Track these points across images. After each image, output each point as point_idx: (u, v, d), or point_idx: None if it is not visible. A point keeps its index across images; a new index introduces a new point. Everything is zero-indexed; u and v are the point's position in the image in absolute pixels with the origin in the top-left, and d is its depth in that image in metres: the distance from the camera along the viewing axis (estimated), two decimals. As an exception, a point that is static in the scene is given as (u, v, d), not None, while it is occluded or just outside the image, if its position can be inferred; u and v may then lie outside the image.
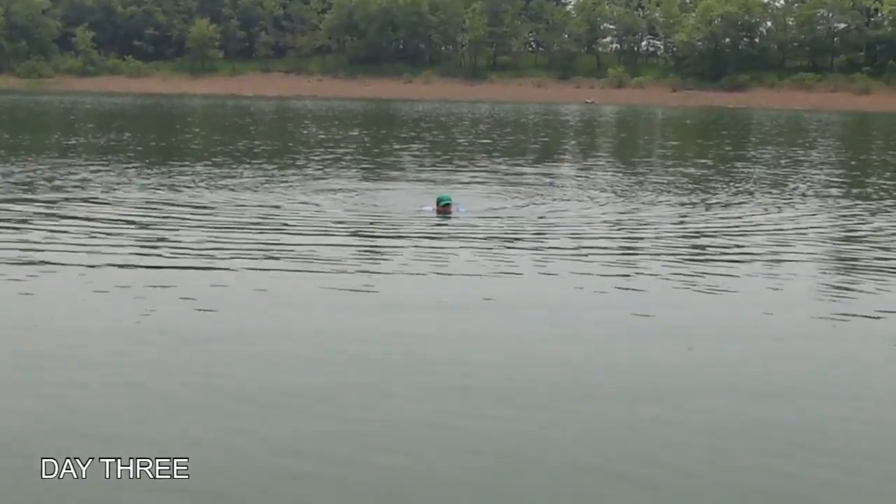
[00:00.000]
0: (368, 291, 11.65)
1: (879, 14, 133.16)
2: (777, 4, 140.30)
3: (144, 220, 16.88)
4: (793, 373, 8.95)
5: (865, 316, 10.95)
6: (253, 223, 16.58)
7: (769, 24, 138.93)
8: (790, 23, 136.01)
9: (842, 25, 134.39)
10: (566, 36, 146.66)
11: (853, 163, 35.20)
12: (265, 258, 13.50)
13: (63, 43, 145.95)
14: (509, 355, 9.23)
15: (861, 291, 12.18)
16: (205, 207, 18.49)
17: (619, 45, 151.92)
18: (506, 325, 10.26)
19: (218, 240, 14.85)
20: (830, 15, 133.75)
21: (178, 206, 18.60)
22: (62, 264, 12.82)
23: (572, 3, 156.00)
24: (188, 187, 21.88)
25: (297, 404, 7.90)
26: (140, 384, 8.28)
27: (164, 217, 17.16)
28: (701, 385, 8.60)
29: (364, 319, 10.39)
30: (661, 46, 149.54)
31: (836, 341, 10.04)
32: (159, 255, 13.59)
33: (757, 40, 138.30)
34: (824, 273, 13.38)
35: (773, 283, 12.63)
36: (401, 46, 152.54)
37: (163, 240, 14.83)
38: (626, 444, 7.18)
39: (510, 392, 8.22)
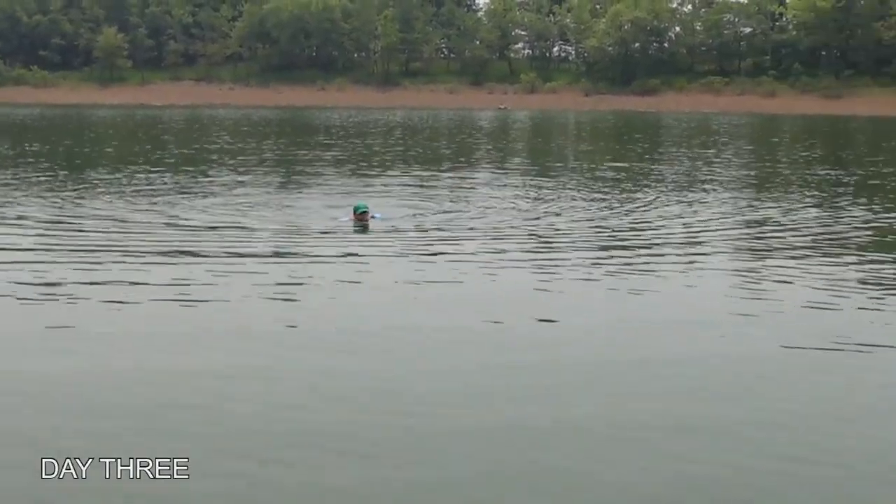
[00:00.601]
0: (287, 300, 11.48)
1: (784, 18, 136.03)
2: (685, 10, 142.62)
3: (49, 231, 16.50)
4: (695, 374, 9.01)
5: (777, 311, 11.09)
6: (165, 237, 16.20)
7: (678, 29, 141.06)
8: (698, 27, 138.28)
9: (748, 30, 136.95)
10: (478, 42, 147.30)
11: (761, 163, 35.75)
12: (180, 272, 13.23)
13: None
14: (428, 365, 9.15)
15: (774, 281, 12.37)
16: (118, 220, 18.11)
17: (531, 51, 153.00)
18: (424, 335, 10.17)
19: (129, 251, 14.55)
20: (737, 20, 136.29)
21: (84, 219, 18.16)
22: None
23: (483, 9, 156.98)
24: (91, 198, 21.44)
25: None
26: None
27: (67, 230, 16.79)
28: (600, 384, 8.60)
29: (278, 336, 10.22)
30: (573, 52, 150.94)
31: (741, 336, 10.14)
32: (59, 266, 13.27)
33: (666, 45, 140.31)
34: (735, 267, 13.54)
35: (687, 279, 12.78)
36: (313, 54, 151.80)
37: (61, 252, 14.49)
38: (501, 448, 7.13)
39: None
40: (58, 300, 11.46)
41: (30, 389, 8.35)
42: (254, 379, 8.67)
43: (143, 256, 14.19)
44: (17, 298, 11.47)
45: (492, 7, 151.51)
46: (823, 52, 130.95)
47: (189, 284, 12.23)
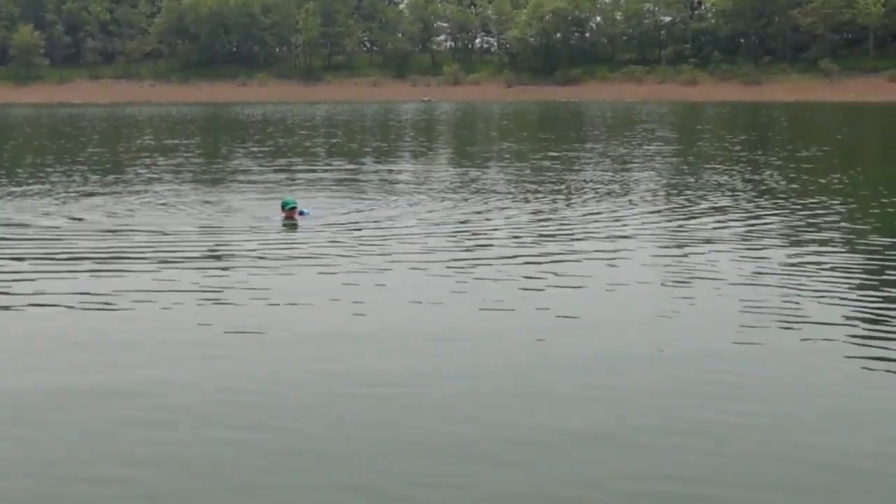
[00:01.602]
0: (216, 303, 11.24)
1: (703, 7, 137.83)
2: (605, 0, 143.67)
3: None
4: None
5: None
6: (90, 240, 15.79)
7: (598, 18, 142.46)
8: (618, 17, 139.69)
9: (668, 19, 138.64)
10: (400, 35, 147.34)
11: (688, 149, 36.04)
12: (105, 275, 12.92)
13: None
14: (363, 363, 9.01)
15: (698, 267, 12.41)
16: (24, 226, 17.69)
17: (453, 43, 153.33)
18: (353, 339, 10.02)
19: (51, 256, 14.20)
20: (656, 9, 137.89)
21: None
22: None
23: (405, 2, 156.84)
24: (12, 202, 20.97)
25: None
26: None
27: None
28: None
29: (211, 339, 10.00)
30: (495, 43, 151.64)
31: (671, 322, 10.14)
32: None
33: (587, 35, 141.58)
34: (660, 255, 13.57)
35: (613, 270, 12.79)
36: (234, 49, 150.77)
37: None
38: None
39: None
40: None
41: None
42: (180, 390, 8.46)
43: (54, 262, 13.80)
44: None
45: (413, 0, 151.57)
46: (742, 40, 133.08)
47: (112, 292, 11.76)
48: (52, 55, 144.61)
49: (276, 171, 28.44)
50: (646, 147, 37.22)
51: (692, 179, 24.48)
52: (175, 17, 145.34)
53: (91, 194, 22.27)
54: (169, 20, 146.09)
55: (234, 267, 13.35)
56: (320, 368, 8.88)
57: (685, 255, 13.97)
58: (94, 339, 9.81)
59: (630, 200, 20.23)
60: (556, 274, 12.62)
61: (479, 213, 18.78)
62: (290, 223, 16.91)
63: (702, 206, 19.18)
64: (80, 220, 18.04)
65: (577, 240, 15.38)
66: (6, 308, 11.07)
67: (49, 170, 28.78)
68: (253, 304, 11.12)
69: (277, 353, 9.38)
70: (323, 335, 9.95)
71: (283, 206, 17.42)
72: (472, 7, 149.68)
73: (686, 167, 28.50)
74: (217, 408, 7.83)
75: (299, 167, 29.97)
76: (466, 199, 20.73)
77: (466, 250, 14.60)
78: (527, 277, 12.42)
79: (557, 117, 69.53)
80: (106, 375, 8.65)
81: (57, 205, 20.23)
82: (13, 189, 23.47)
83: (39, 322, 10.55)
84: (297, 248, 14.75)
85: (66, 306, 11.08)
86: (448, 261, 13.60)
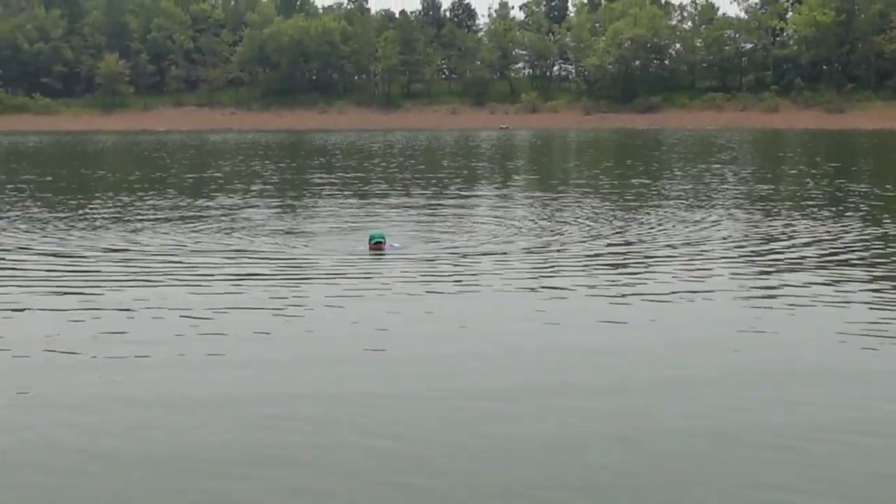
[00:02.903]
0: (308, 331, 11.30)
1: (785, 33, 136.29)
2: (685, 27, 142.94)
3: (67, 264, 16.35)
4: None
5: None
6: (172, 268, 15.85)
7: (678, 45, 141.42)
8: (698, 44, 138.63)
9: (749, 45, 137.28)
10: (478, 62, 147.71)
11: (770, 175, 35.58)
12: (191, 302, 13.03)
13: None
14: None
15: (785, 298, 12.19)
16: (127, 251, 17.95)
17: (531, 70, 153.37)
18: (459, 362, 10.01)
19: (138, 282, 14.39)
20: (738, 35, 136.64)
21: (95, 251, 17.93)
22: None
23: (484, 29, 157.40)
24: (110, 226, 21.33)
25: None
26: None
27: (81, 259, 16.64)
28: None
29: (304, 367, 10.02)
30: (573, 70, 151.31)
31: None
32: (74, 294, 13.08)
33: (667, 62, 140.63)
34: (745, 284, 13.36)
35: (696, 298, 12.63)
36: (314, 77, 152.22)
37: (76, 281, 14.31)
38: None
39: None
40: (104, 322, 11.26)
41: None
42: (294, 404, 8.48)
43: (151, 284, 14.01)
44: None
45: (492, 27, 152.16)
46: (825, 67, 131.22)
47: (196, 314, 11.98)
48: (137, 83, 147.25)
49: (355, 199, 28.56)
50: (731, 175, 36.81)
51: (774, 208, 24.11)
52: (256, 46, 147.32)
53: (177, 220, 22.60)
54: (250, 48, 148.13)
55: (331, 294, 13.33)
56: (449, 386, 9.20)
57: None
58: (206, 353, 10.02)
59: (709, 223, 20.01)
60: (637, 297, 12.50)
61: (561, 239, 18.67)
62: (377, 254, 16.74)
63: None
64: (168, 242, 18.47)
65: (661, 264, 15.20)
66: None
67: (138, 194, 29.27)
68: (341, 329, 11.25)
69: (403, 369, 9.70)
70: (442, 355, 10.26)
71: (370, 239, 17.14)
72: (551, 34, 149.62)
73: (768, 195, 28.11)
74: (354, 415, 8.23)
75: (378, 195, 30.05)
76: (549, 227, 20.63)
77: (551, 278, 14.49)
78: (619, 296, 12.31)
79: (638, 145, 69.08)
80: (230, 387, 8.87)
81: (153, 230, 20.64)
82: (102, 215, 23.89)
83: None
84: (392, 278, 14.58)
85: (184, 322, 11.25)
86: (534, 289, 13.53)
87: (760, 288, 13.61)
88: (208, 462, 7.34)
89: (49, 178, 38.55)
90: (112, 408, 8.64)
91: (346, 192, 30.95)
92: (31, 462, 7.42)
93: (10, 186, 33.74)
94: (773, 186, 32.10)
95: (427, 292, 13.54)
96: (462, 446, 7.64)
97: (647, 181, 34.19)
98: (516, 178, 39.36)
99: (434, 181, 35.75)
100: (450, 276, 14.88)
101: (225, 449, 7.60)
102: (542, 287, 13.70)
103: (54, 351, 10.44)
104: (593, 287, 13.82)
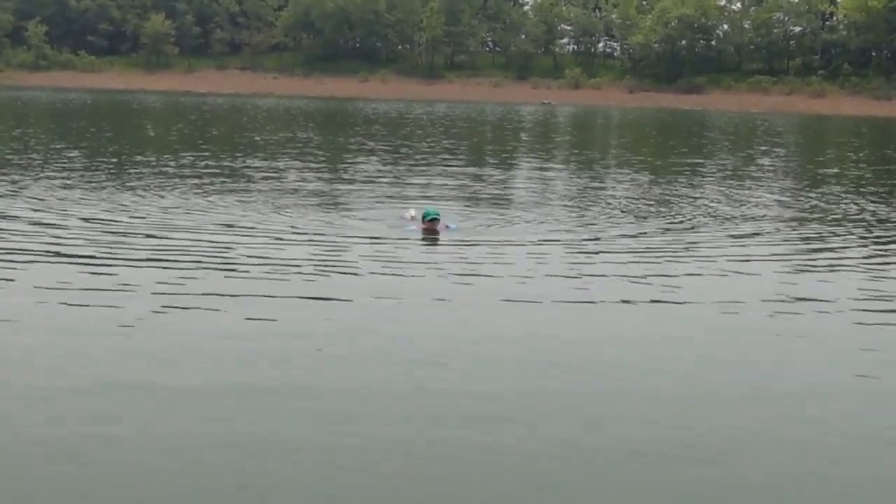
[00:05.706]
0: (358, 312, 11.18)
1: (834, 18, 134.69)
2: (734, 7, 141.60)
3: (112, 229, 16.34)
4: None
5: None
6: (213, 235, 15.30)
7: (725, 26, 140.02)
8: (746, 26, 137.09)
9: (797, 29, 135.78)
10: (523, 36, 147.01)
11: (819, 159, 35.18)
12: (232, 278, 12.91)
13: (15, 37, 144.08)
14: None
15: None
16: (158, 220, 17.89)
17: (576, 47, 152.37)
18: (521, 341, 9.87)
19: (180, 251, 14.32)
20: (786, 18, 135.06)
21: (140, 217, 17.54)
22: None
23: (530, 3, 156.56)
24: (150, 194, 21.33)
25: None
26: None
27: (122, 224, 16.62)
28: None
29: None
30: (618, 48, 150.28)
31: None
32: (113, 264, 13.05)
33: (713, 43, 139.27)
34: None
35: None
36: (357, 45, 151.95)
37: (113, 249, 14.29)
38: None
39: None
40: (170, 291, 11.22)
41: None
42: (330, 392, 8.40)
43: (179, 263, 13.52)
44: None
45: (538, 2, 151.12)
46: (874, 53, 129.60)
47: (230, 294, 11.41)
48: (182, 44, 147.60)
49: (398, 170, 28.18)
50: (777, 162, 36.42)
51: (817, 190, 23.77)
52: (301, 11, 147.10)
53: (230, 190, 22.48)
54: (295, 14, 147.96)
55: (381, 273, 12.82)
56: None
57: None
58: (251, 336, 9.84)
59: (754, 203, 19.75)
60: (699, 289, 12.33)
61: (607, 223, 18.18)
62: (430, 236, 15.41)
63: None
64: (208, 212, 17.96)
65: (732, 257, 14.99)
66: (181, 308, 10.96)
67: (177, 153, 29.28)
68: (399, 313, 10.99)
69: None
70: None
71: (425, 216, 15.70)
72: (597, 11, 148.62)
73: (813, 178, 27.76)
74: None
75: (425, 168, 29.66)
76: (601, 210, 20.28)
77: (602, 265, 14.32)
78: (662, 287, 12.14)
79: (683, 126, 68.48)
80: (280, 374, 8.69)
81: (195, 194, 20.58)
82: (133, 182, 23.91)
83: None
84: (452, 265, 13.46)
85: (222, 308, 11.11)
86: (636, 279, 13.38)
87: None
88: (234, 447, 7.08)
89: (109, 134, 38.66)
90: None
91: (385, 162, 30.72)
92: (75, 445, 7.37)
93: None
94: (821, 170, 31.72)
95: (485, 273, 13.09)
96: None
97: (693, 166, 33.83)
98: (572, 153, 39.06)
99: (478, 157, 35.51)
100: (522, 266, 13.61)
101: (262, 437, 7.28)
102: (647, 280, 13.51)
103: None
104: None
